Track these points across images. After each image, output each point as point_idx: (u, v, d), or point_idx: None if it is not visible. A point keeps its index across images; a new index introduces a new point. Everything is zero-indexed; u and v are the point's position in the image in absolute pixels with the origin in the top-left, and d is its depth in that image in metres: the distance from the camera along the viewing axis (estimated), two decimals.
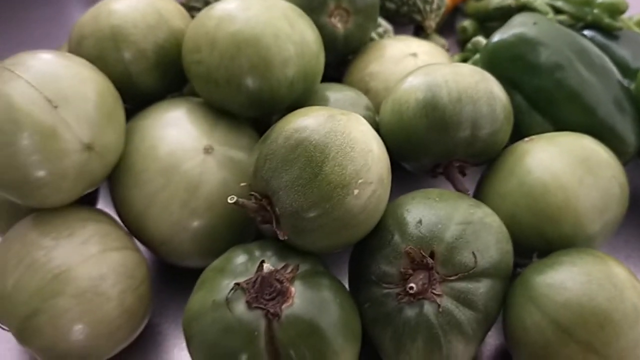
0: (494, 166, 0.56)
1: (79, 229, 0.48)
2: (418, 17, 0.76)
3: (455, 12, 0.87)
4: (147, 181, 0.50)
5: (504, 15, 0.74)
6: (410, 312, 0.45)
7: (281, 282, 0.44)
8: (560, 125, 0.59)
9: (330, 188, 0.43)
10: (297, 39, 0.51)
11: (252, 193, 0.46)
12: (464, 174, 0.56)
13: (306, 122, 0.45)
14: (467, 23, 0.80)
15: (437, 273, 0.46)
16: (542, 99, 0.60)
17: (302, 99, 0.54)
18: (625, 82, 0.62)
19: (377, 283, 0.47)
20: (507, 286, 0.48)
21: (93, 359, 0.47)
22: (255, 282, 0.44)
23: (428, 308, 0.45)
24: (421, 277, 0.45)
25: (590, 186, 0.50)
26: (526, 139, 0.56)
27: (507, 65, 0.61)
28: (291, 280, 0.45)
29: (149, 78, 0.54)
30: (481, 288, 0.46)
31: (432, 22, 0.75)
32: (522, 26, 0.62)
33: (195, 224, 0.50)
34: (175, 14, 0.56)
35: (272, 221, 0.45)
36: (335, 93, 0.57)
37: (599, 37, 0.70)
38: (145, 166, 0.50)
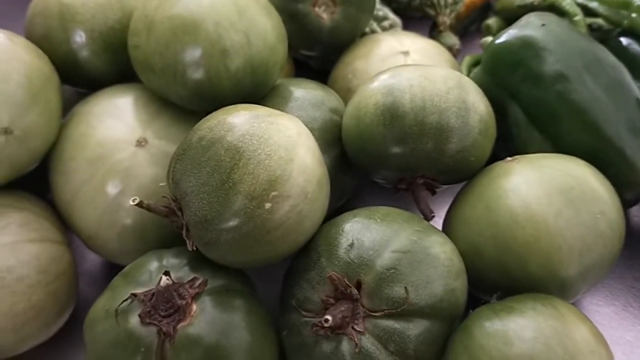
0: (465, 187, 0.48)
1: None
2: (431, 12, 0.68)
3: (486, 9, 0.78)
4: (74, 170, 0.47)
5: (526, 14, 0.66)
6: (326, 346, 0.40)
7: (182, 298, 0.40)
8: (560, 144, 0.51)
9: (238, 199, 0.38)
10: (244, 27, 0.45)
11: (165, 196, 0.42)
12: (433, 193, 0.49)
13: (224, 121, 0.40)
14: (491, 21, 0.71)
15: (362, 306, 0.40)
16: (542, 113, 0.52)
17: (254, 93, 0.48)
18: None
19: (297, 309, 0.41)
20: (451, 329, 0.41)
21: None
22: (152, 295, 0.40)
23: (345, 346, 0.39)
24: (342, 308, 0.40)
25: (569, 221, 0.42)
26: (509, 158, 0.48)
27: (507, 72, 0.53)
28: (195, 297, 0.40)
29: (98, 61, 0.51)
30: (412, 330, 0.39)
31: (446, 18, 0.68)
32: (528, 28, 0.54)
33: (123, 221, 0.46)
34: None
35: (183, 228, 0.41)
36: (299, 90, 0.51)
37: (635, 46, 0.61)
38: (75, 154, 0.47)
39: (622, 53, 0.61)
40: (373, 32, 0.66)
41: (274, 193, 0.38)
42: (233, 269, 0.43)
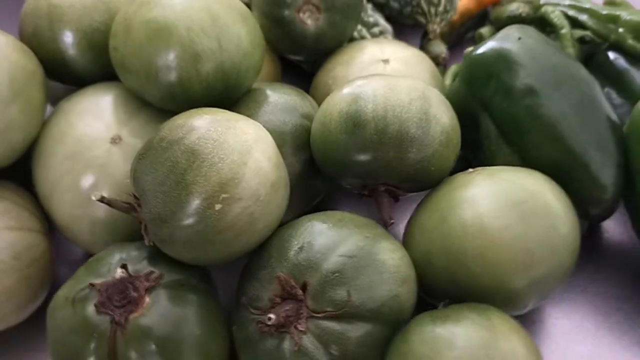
0: (426, 196, 0.49)
1: None
2: (422, 20, 0.69)
3: (483, 18, 0.79)
4: (53, 165, 0.49)
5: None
6: (270, 343, 0.42)
7: (136, 290, 0.42)
8: (527, 158, 0.51)
9: (190, 199, 0.40)
10: (216, 33, 0.47)
11: (129, 193, 0.44)
12: (396, 200, 0.50)
13: (184, 124, 0.42)
14: (484, 30, 0.72)
15: (306, 307, 0.41)
16: (511, 126, 0.52)
17: (226, 97, 0.50)
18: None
19: (247, 306, 0.43)
20: (393, 334, 0.42)
21: None
22: (108, 285, 0.42)
23: (287, 344, 0.41)
24: (287, 308, 0.41)
25: (518, 235, 0.43)
26: (471, 169, 0.49)
27: (482, 83, 0.54)
28: (149, 290, 0.42)
29: (83, 60, 0.53)
30: (352, 332, 0.41)
31: (436, 27, 0.68)
32: (504, 40, 0.54)
33: (94, 214, 0.49)
34: None
35: (142, 224, 0.43)
36: (274, 95, 0.52)
37: (622, 60, 0.61)
38: (54, 149, 0.50)
39: (609, 67, 0.61)
40: (362, 38, 0.67)
41: (224, 195, 0.40)
42: (189, 266, 0.44)
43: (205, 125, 0.42)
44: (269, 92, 0.53)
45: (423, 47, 0.70)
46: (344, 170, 0.48)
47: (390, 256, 0.43)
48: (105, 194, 0.44)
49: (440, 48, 0.68)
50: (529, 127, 0.51)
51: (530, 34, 0.54)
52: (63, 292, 0.44)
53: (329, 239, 0.43)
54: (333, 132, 0.47)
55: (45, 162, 0.50)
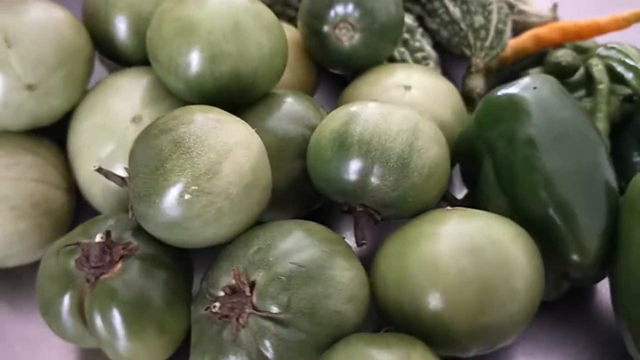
0: (403, 224, 0.51)
1: (13, 154, 0.55)
2: (467, 52, 0.70)
3: (542, 58, 0.77)
4: (82, 131, 0.56)
5: (560, 73, 0.65)
6: (214, 328, 0.45)
7: (112, 255, 0.47)
8: (517, 209, 0.51)
9: (164, 185, 0.44)
10: (236, 39, 0.51)
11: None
12: (375, 222, 0.52)
13: (178, 117, 0.47)
14: (533, 71, 0.71)
15: (251, 303, 0.44)
16: (507, 174, 0.52)
17: (240, 97, 0.54)
18: None
19: (205, 290, 0.47)
20: (327, 347, 0.44)
21: None
22: (90, 246, 0.47)
23: (226, 333, 0.44)
24: (234, 300, 0.45)
25: (469, 281, 0.44)
26: (449, 207, 0.50)
27: (490, 126, 0.54)
28: (124, 258, 0.47)
29: (129, 44, 0.59)
30: (286, 336, 0.43)
31: (479, 61, 0.69)
32: (520, 87, 0.54)
33: (106, 182, 0.54)
34: None
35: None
36: (287, 104, 0.56)
37: None
38: (86, 118, 0.56)
39: None
40: (404, 61, 0.69)
41: (194, 187, 0.44)
42: (168, 244, 0.49)
43: (195, 121, 0.46)
44: (282, 99, 0.56)
45: (466, 79, 0.70)
46: (327, 185, 0.51)
47: (341, 273, 0.45)
48: (118, 166, 0.50)
49: (476, 82, 0.68)
50: (523, 177, 0.51)
51: (547, 84, 0.54)
52: (57, 244, 0.50)
53: (287, 245, 0.46)
54: (322, 147, 0.50)
55: (76, 127, 0.56)
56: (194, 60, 0.51)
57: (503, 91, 0.55)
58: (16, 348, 0.55)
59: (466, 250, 0.45)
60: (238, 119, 0.49)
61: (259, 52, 0.53)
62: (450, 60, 0.74)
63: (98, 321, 0.46)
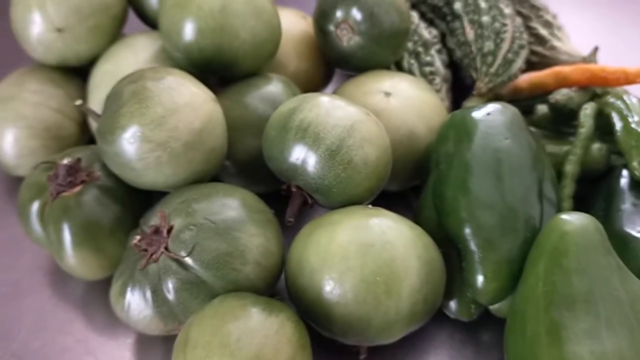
0: (327, 212, 0.55)
1: (41, 83, 0.66)
2: (474, 75, 0.71)
3: None
4: (96, 74, 0.66)
5: (558, 112, 0.66)
6: (134, 257, 0.53)
7: (75, 178, 0.56)
8: (441, 223, 0.54)
9: (116, 126, 0.52)
10: (222, 18, 0.58)
11: None
12: (305, 204, 0.56)
13: (148, 73, 0.54)
14: (540, 107, 0.71)
15: (166, 244, 0.51)
16: (439, 190, 0.55)
17: (225, 72, 0.61)
18: None
19: (140, 225, 0.54)
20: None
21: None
22: (61, 167, 0.56)
23: (140, 263, 0.52)
24: (153, 238, 0.52)
25: (350, 269, 0.48)
26: (370, 206, 0.54)
27: (443, 142, 0.57)
28: (85, 183, 0.56)
29: (155, 10, 0.68)
30: (183, 276, 0.50)
31: (482, 86, 0.70)
32: (478, 111, 0.56)
33: None
34: None
35: None
36: (265, 86, 0.61)
37: (626, 180, 0.58)
38: (102, 64, 0.66)
39: (615, 181, 0.59)
40: (411, 72, 0.72)
41: (139, 134, 0.51)
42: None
43: (156, 79, 0.53)
44: (263, 81, 0.62)
45: (468, 99, 0.72)
46: (270, 162, 0.56)
47: (247, 238, 0.51)
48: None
49: (471, 105, 0.69)
50: (450, 195, 0.54)
51: (504, 114, 0.56)
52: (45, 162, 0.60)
53: (210, 203, 0.52)
54: (270, 127, 0.56)
55: (94, 71, 0.66)
56: (184, 31, 0.58)
57: (464, 111, 0.57)
58: None
59: (357, 242, 0.49)
60: (202, 86, 0.56)
61: (243, 34, 0.59)
62: (465, 81, 0.75)
63: (51, 230, 0.55)
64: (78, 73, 0.70)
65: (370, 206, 0.54)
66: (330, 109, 0.54)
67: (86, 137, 0.69)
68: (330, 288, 0.48)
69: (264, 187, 0.63)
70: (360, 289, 0.48)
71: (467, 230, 0.52)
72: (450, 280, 0.53)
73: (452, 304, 0.54)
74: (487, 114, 0.55)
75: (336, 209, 0.54)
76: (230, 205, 0.52)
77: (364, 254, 0.48)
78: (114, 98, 0.53)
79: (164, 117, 0.52)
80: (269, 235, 0.53)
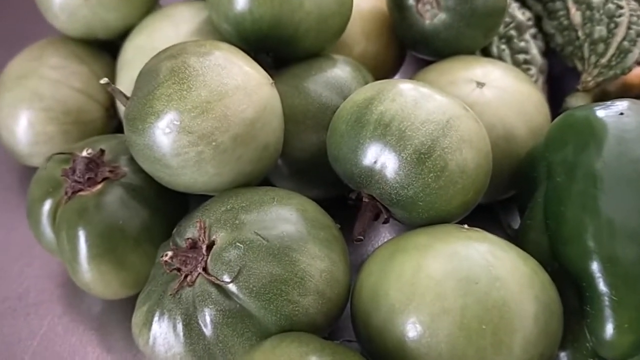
0: (405, 232, 0.43)
1: (62, 58, 0.56)
2: (579, 66, 0.59)
3: None
4: (127, 49, 0.55)
5: None
6: (165, 277, 0.42)
7: (96, 175, 0.45)
8: (555, 251, 0.42)
9: (148, 112, 0.41)
10: None
11: None
12: (375, 218, 0.45)
13: (188, 47, 0.43)
14: None
15: (205, 263, 0.40)
16: (555, 208, 0.43)
17: (281, 49, 0.50)
18: None
19: (174, 235, 0.44)
20: (266, 332, 0.39)
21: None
22: (80, 160, 0.46)
23: (171, 286, 0.41)
24: (189, 255, 0.41)
25: (447, 311, 0.36)
26: (466, 226, 0.42)
27: (557, 148, 0.45)
28: (107, 180, 0.45)
29: None
30: (225, 306, 0.39)
31: (590, 79, 0.57)
32: (605, 110, 0.44)
33: None
34: None
35: None
36: (333, 69, 0.50)
37: None
38: (135, 37, 0.55)
39: None
40: (501, 59, 0.60)
41: (176, 122, 0.40)
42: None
43: (200, 53, 0.42)
44: (327, 63, 0.51)
45: (568, 96, 0.59)
46: (336, 163, 0.45)
47: (309, 261, 0.39)
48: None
49: (577, 103, 0.57)
50: (572, 217, 0.41)
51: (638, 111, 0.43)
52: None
53: (261, 213, 0.41)
54: (340, 119, 0.44)
55: (126, 45, 0.56)
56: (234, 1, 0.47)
57: (585, 109, 0.45)
58: None
59: (455, 275, 0.37)
60: (257, 66, 0.44)
61: (308, 4, 0.47)
62: (563, 72, 0.63)
63: (63, 237, 0.45)
64: (106, 48, 0.60)
65: (466, 226, 0.42)
66: (419, 99, 0.42)
67: (113, 123, 0.59)
68: (418, 335, 0.36)
69: (322, 192, 0.52)
70: (459, 339, 0.36)
71: (596, 265, 0.39)
72: (564, 326, 0.41)
73: (564, 357, 0.42)
74: (620, 114, 0.43)
75: (420, 228, 0.43)
76: (288, 218, 0.41)
77: (466, 293, 0.36)
78: (148, 77, 0.42)
79: (210, 102, 0.41)
80: (335, 257, 0.41)
